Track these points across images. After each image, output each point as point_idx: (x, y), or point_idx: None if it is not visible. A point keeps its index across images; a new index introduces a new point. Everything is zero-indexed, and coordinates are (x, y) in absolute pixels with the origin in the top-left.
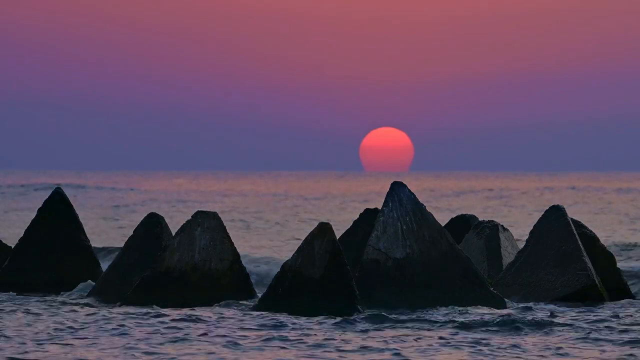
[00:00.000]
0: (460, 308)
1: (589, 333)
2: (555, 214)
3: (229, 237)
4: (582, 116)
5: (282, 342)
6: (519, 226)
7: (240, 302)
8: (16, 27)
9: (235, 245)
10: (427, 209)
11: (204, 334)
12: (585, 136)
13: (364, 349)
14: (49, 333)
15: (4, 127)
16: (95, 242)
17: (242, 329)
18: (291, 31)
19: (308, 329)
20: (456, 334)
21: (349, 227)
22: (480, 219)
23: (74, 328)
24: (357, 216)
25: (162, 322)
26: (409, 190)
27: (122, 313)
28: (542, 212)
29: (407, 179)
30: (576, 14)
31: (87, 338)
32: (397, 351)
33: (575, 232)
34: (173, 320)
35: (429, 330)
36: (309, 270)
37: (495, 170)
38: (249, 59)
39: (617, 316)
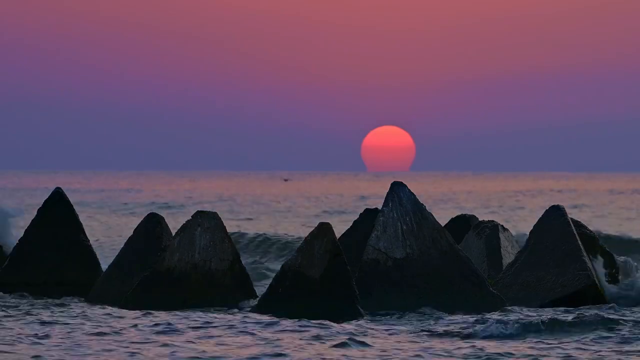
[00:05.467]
0: (460, 308)
1: (588, 335)
2: (555, 213)
3: (229, 237)
4: (582, 117)
5: (282, 342)
6: (519, 226)
7: (240, 302)
8: (16, 28)
9: (235, 246)
10: (427, 208)
11: (204, 335)
12: (584, 137)
13: (364, 349)
14: (48, 333)
15: (4, 128)
16: None
17: (242, 329)
18: (297, 35)
19: (308, 329)
20: (456, 334)
21: (349, 227)
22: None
23: (73, 328)
24: (357, 216)
25: (162, 323)
26: (409, 190)
27: (122, 313)
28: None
29: (408, 179)
30: (576, 17)
31: (85, 338)
32: (398, 351)
33: (575, 232)
34: (173, 320)
35: (429, 330)
36: (309, 270)
37: (496, 171)
38: (256, 62)
39: (616, 317)
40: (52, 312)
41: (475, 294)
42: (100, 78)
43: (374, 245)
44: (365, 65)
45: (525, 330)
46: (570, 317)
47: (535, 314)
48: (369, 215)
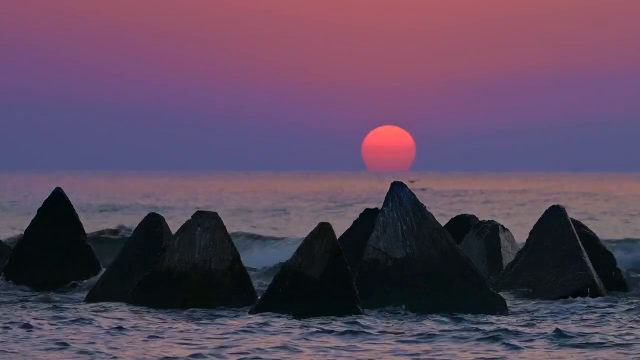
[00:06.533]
0: (460, 308)
1: (586, 336)
2: (555, 213)
3: (229, 237)
4: (582, 117)
5: (282, 342)
6: (519, 226)
7: (240, 302)
8: (16, 28)
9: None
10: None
11: (204, 335)
12: (584, 137)
13: (363, 349)
14: (48, 333)
15: (4, 128)
16: None
17: (242, 329)
18: (297, 35)
19: (308, 329)
20: (456, 334)
21: (349, 227)
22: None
23: (73, 328)
24: (357, 216)
25: (162, 323)
26: (409, 190)
27: (122, 313)
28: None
29: (407, 179)
30: (576, 16)
31: (85, 338)
32: (397, 351)
33: (575, 232)
34: (172, 320)
35: (428, 330)
36: (309, 270)
37: (496, 171)
38: (256, 62)
39: (613, 317)
40: (52, 312)
41: (475, 294)
42: (100, 78)
43: (374, 245)
44: (365, 65)
45: (524, 328)
46: (568, 315)
47: (534, 312)
48: (369, 215)
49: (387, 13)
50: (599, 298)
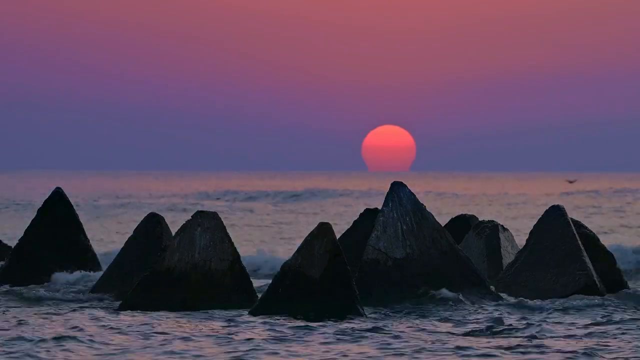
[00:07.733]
0: (460, 308)
1: (585, 336)
2: (555, 213)
3: (229, 237)
4: (582, 117)
5: (282, 342)
6: (519, 226)
7: (240, 302)
8: (16, 28)
9: (235, 246)
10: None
11: (203, 335)
12: (584, 137)
13: (363, 349)
14: (47, 334)
15: (4, 128)
16: None
17: (242, 329)
18: (297, 35)
19: (308, 329)
20: (455, 334)
21: (349, 227)
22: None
23: (72, 328)
24: (357, 216)
25: (162, 323)
26: (409, 190)
27: (122, 313)
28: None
29: (408, 179)
30: (576, 16)
31: (85, 338)
32: (397, 351)
33: (575, 232)
34: (172, 320)
35: (428, 330)
36: (309, 270)
37: (496, 171)
38: (256, 62)
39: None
40: (51, 312)
41: (475, 294)
42: (100, 78)
43: (374, 245)
44: (365, 65)
45: (525, 328)
46: (566, 313)
47: (533, 313)
48: (369, 215)
49: (387, 13)
50: (598, 298)
